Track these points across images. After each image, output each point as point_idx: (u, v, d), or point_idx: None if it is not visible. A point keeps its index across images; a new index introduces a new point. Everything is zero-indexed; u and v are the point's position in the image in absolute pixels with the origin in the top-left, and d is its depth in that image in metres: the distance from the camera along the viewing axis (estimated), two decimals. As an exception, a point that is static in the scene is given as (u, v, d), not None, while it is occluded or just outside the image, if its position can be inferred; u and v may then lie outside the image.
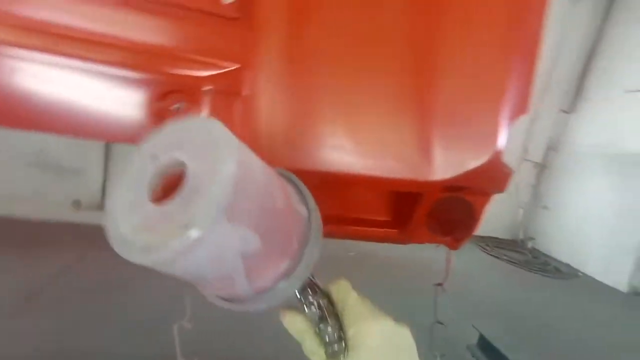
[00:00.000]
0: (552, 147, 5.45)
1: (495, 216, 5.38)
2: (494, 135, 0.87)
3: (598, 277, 4.26)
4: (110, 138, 1.12)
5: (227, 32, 0.74)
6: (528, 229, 5.43)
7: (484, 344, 1.95)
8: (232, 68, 0.74)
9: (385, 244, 1.05)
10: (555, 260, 4.81)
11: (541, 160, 5.50)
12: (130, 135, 0.73)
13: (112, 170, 3.07)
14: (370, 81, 0.83)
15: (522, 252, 4.84)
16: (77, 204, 3.04)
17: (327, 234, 0.43)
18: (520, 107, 0.89)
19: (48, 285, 2.20)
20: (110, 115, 0.74)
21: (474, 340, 2.04)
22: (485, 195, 0.99)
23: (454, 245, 1.01)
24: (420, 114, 0.84)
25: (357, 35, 0.81)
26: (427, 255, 2.17)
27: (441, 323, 1.18)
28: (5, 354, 1.60)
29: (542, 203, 5.43)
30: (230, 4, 0.72)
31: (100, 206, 3.10)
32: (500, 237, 5.42)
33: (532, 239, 5.32)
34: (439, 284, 1.08)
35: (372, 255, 3.27)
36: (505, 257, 4.43)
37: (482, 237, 5.20)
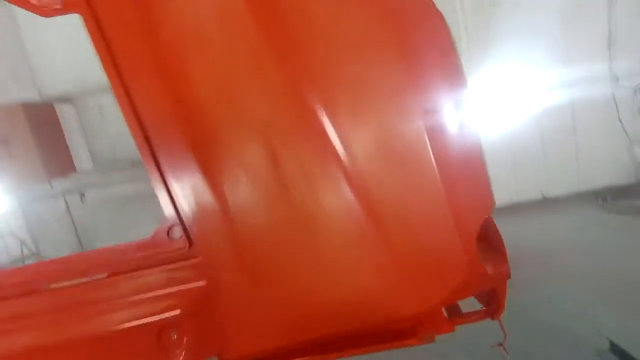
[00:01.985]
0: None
1: (607, 161, 4.66)
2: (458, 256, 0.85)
3: None
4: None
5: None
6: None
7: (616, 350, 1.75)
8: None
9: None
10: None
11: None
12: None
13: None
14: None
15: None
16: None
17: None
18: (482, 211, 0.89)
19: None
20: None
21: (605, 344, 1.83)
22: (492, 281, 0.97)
23: (494, 315, 1.00)
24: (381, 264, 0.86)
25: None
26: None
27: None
28: None
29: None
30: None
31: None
32: (621, 183, 4.67)
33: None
34: (500, 345, 1.05)
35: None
36: (630, 210, 3.80)
37: (598, 191, 4.55)
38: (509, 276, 0.94)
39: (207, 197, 0.81)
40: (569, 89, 4.59)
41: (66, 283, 0.85)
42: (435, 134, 0.79)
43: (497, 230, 0.99)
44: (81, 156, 3.53)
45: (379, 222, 0.82)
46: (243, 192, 0.82)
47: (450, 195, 0.80)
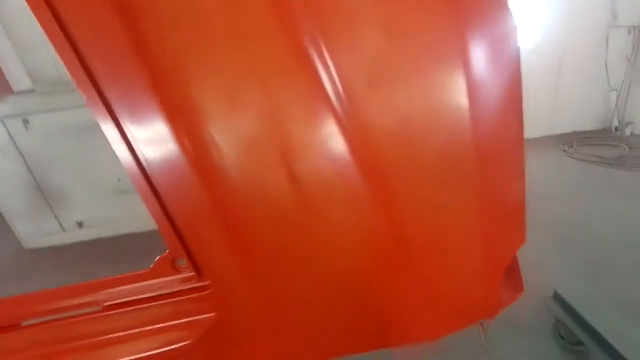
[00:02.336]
0: (655, 0, 4.27)
1: (582, 106, 4.67)
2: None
3: None
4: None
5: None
6: (624, 113, 4.63)
7: (557, 299, 1.93)
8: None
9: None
10: (660, 145, 4.12)
11: (638, 22, 4.40)
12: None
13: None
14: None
15: (616, 145, 4.23)
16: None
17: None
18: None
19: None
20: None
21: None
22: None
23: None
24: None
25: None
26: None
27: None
28: None
29: (641, 76, 4.49)
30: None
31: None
32: (590, 129, 4.76)
33: (629, 123, 4.57)
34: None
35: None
36: (593, 158, 3.94)
37: (565, 135, 4.64)
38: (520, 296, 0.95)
39: (214, 223, 0.74)
40: (563, 24, 4.29)
41: (60, 316, 0.79)
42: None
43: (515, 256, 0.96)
44: (16, 74, 3.04)
45: (405, 246, 0.77)
46: (254, 214, 0.74)
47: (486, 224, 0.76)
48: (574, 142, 4.41)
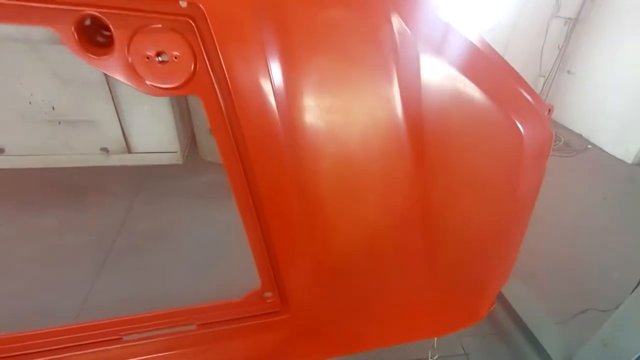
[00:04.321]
0: (591, -2, 4.73)
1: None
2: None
3: (607, 148, 4.37)
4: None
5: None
6: (548, 97, 5.27)
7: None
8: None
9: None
10: (568, 131, 4.84)
11: (575, 15, 4.88)
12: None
13: (125, 117, 3.18)
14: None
15: (535, 126, 4.85)
16: (105, 151, 3.29)
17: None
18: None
19: (113, 237, 2.67)
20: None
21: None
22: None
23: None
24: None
25: None
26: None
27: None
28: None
29: (567, 67, 5.09)
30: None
31: (126, 151, 3.33)
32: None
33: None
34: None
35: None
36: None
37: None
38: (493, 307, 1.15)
39: (306, 265, 0.82)
40: (516, 10, 4.57)
41: (155, 333, 0.85)
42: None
43: None
44: None
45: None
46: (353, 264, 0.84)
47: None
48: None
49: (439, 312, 1.00)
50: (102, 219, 2.84)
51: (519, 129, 0.68)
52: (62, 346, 0.82)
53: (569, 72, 5.08)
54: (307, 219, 0.74)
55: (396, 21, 0.60)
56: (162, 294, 2.25)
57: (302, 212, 0.72)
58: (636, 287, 1.63)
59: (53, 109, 2.98)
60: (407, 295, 0.97)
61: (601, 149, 4.42)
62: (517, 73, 0.73)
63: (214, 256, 2.56)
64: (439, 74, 0.64)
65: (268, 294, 0.88)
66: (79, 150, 3.24)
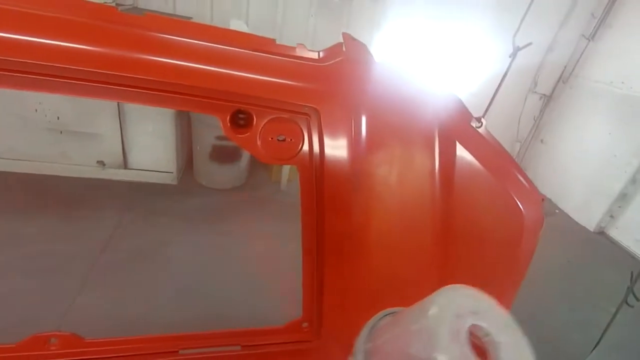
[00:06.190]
0: (564, 79, 5.31)
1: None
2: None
3: (572, 215, 4.74)
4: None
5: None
6: (523, 161, 5.71)
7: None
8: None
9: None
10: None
11: (549, 93, 5.44)
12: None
13: (128, 133, 3.25)
14: None
15: (510, 187, 5.22)
16: (101, 164, 3.32)
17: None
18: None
19: (98, 252, 2.66)
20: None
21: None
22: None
23: None
24: None
25: None
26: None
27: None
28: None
29: (540, 136, 5.59)
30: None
31: (122, 166, 3.38)
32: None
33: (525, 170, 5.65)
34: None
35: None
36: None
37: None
38: None
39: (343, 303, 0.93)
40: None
41: (199, 351, 0.95)
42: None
43: None
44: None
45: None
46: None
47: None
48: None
49: None
50: (89, 232, 2.83)
51: (521, 210, 0.86)
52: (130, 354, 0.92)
53: (542, 141, 5.57)
54: (355, 265, 0.87)
55: (440, 128, 0.83)
56: (143, 313, 2.25)
57: (352, 258, 0.86)
58: (595, 346, 1.79)
59: (58, 118, 3.03)
60: None
61: (567, 215, 4.78)
62: (517, 164, 0.93)
63: (197, 280, 2.58)
64: (466, 166, 0.85)
65: (305, 324, 0.99)
66: (75, 160, 3.27)
